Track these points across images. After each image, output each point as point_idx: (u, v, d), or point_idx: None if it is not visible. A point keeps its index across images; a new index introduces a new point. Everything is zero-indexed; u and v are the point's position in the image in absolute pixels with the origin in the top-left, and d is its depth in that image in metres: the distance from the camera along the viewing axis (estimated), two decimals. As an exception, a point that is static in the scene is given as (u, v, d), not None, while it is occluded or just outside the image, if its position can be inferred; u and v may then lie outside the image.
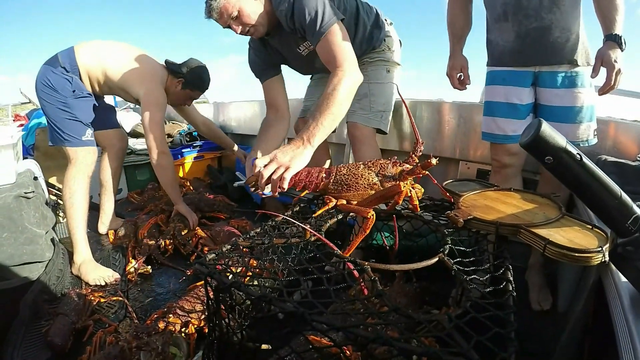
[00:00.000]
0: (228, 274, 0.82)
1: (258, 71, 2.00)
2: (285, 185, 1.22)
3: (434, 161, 0.98)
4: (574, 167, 0.77)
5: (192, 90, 2.44)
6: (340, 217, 1.15)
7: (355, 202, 1.11)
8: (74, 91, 2.02)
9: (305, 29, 1.57)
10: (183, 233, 2.29)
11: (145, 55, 2.27)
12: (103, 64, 2.10)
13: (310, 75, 2.29)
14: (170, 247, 2.24)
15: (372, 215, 0.97)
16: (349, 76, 1.49)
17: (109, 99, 2.52)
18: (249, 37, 1.87)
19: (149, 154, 2.20)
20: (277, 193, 1.23)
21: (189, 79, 2.37)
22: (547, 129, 0.74)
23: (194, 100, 2.63)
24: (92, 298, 1.72)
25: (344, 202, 1.12)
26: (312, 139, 1.35)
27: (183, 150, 3.60)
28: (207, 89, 2.55)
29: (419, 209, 1.12)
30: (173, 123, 4.05)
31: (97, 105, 2.20)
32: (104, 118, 2.37)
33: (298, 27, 1.60)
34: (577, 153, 0.76)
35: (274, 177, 1.21)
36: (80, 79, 2.06)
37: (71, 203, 2.05)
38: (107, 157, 2.46)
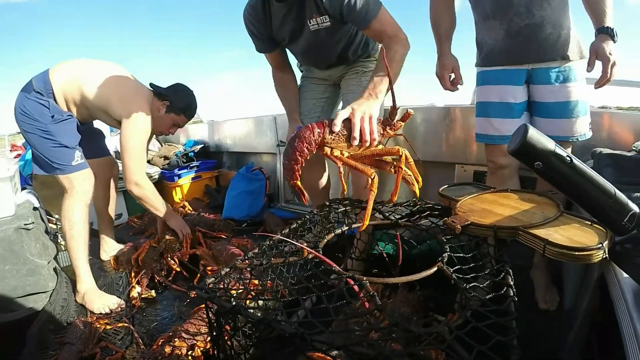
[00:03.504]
0: (229, 297, 0.82)
1: (259, 46, 1.99)
2: (376, 135, 1.23)
3: (411, 111, 1.18)
4: (565, 170, 0.77)
5: (177, 115, 2.25)
6: (338, 231, 1.15)
7: (351, 154, 1.17)
8: (52, 116, 1.92)
9: (351, 13, 1.61)
10: (173, 246, 2.28)
11: (127, 73, 2.15)
12: (79, 83, 1.99)
13: (299, 86, 2.26)
14: (175, 266, 2.22)
15: (375, 175, 1.00)
16: (406, 41, 1.62)
17: (97, 123, 2.40)
18: (245, 14, 1.88)
19: (125, 182, 2.12)
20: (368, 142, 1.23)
21: (174, 102, 2.21)
22: (534, 133, 0.74)
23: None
24: (98, 325, 1.72)
25: (343, 156, 1.16)
26: (378, 92, 1.39)
27: (180, 172, 3.61)
28: (192, 115, 2.38)
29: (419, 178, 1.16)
30: (169, 145, 4.06)
31: (82, 129, 2.12)
32: (92, 146, 2.31)
33: (335, 6, 1.63)
34: (567, 155, 0.76)
35: (365, 124, 1.21)
36: (57, 102, 1.97)
37: (71, 235, 2.00)
38: (99, 186, 2.38)
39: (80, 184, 2.02)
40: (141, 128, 2.07)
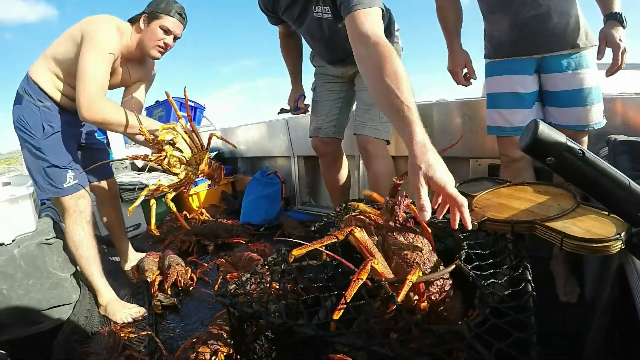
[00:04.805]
0: (250, 302, 0.83)
1: (269, 19, 2.05)
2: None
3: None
4: (577, 164, 0.76)
5: (160, 18, 1.96)
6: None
7: None
8: (43, 128, 1.86)
9: None
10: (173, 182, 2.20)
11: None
12: (52, 55, 1.88)
13: (313, 87, 2.26)
14: (199, 271, 2.28)
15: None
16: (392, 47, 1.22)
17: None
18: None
19: (78, 110, 1.77)
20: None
21: (151, 9, 1.97)
22: (544, 129, 0.73)
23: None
24: (122, 334, 1.74)
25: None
26: (427, 141, 1.09)
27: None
28: (178, 12, 2.01)
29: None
30: (182, 153, 4.09)
31: (86, 148, 2.11)
32: (95, 169, 2.20)
33: None
34: (579, 149, 0.75)
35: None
36: (47, 93, 1.88)
37: (79, 255, 1.98)
38: (106, 207, 2.40)
39: (75, 204, 1.97)
40: (100, 47, 1.82)
